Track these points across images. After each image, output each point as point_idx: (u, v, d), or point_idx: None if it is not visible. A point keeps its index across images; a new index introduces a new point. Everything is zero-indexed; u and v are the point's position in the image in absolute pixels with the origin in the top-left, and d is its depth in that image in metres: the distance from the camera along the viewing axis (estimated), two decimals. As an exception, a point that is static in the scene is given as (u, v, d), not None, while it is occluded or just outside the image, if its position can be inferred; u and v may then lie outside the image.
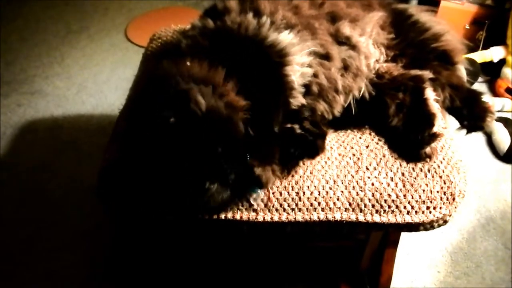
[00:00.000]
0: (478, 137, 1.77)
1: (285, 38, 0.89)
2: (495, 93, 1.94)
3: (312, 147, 0.90)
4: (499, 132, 1.69)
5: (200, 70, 0.83)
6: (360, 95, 0.98)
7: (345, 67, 0.95)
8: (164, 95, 0.79)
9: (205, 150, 0.77)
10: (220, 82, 0.82)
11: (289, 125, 0.89)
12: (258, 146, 0.82)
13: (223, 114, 0.79)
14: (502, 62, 1.95)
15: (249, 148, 0.81)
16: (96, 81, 2.11)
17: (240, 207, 0.88)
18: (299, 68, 0.88)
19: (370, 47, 0.99)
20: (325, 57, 0.93)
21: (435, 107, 0.94)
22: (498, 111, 1.84)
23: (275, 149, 0.86)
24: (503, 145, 1.66)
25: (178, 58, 0.87)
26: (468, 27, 2.02)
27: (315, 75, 0.91)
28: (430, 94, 0.96)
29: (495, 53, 1.93)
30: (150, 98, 0.82)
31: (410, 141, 0.92)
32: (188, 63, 0.84)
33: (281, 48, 0.88)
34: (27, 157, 1.74)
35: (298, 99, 0.89)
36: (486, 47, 1.96)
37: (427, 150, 0.90)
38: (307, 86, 0.90)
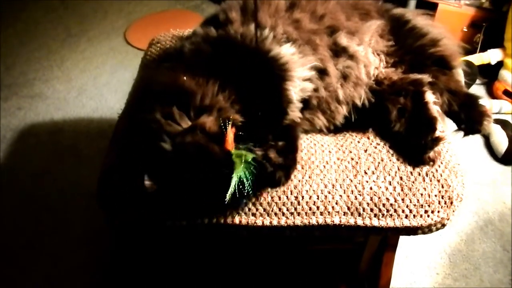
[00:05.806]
0: (476, 139, 1.78)
1: (287, 51, 0.90)
2: (492, 95, 1.95)
3: (270, 179, 0.83)
4: (497, 134, 1.70)
5: (190, 83, 0.84)
6: (361, 103, 0.99)
7: (345, 77, 0.97)
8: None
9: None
10: (209, 94, 0.83)
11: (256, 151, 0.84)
12: None
13: (195, 147, 0.79)
14: (500, 64, 1.95)
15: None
16: (96, 84, 2.11)
17: (240, 211, 0.88)
18: (300, 83, 0.89)
19: (370, 55, 1.00)
20: (325, 71, 0.94)
21: (435, 110, 0.95)
22: (496, 113, 1.85)
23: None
24: (501, 147, 1.67)
25: (177, 65, 0.88)
26: (465, 30, 2.03)
27: (315, 89, 0.92)
28: (430, 97, 0.96)
29: (492, 56, 1.94)
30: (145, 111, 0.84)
31: (414, 146, 0.92)
32: (185, 78, 0.85)
33: (284, 62, 0.88)
34: (27, 161, 1.74)
35: (294, 114, 0.89)
36: (483, 49, 1.97)
37: (431, 154, 0.91)
38: (306, 100, 0.92)
